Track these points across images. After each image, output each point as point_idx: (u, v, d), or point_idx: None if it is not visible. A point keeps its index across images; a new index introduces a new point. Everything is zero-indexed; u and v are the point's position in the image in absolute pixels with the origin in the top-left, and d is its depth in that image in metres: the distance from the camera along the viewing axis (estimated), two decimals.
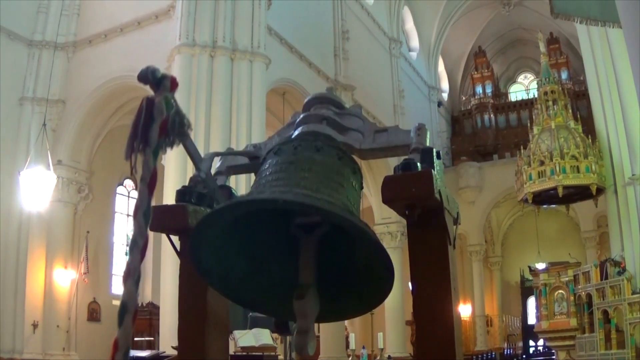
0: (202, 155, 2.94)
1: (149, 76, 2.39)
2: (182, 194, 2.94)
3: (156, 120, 2.33)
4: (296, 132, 2.86)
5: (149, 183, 2.27)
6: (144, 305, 23.29)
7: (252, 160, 3.13)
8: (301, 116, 2.94)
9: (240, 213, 2.56)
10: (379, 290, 2.66)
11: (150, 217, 2.27)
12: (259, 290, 2.86)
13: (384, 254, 2.45)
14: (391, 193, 2.47)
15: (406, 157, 2.62)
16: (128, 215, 25.68)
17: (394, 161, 3.17)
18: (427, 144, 2.76)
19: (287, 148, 2.64)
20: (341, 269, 2.78)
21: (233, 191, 3.12)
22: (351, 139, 2.90)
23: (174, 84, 2.42)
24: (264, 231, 2.76)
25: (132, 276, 2.22)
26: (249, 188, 10.60)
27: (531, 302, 32.67)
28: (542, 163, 20.34)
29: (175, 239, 2.97)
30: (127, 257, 2.25)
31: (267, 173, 2.59)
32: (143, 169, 2.29)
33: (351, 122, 2.97)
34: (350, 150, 2.87)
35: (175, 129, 2.42)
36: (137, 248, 2.22)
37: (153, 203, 2.43)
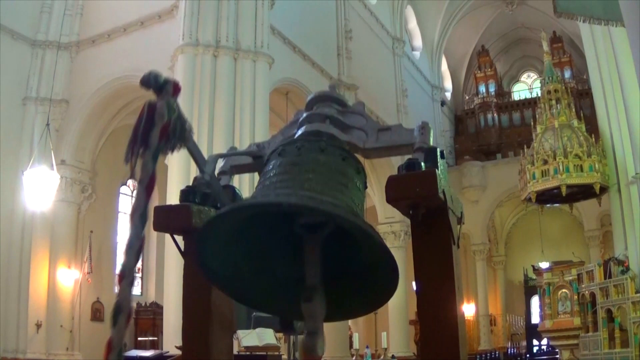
0: (206, 157, 2.94)
1: (151, 81, 2.39)
2: (186, 193, 2.94)
3: (157, 125, 2.33)
4: (299, 132, 2.86)
5: (147, 186, 2.27)
6: (148, 305, 23.34)
7: (255, 160, 3.12)
8: (304, 115, 2.93)
9: (244, 216, 2.56)
10: (384, 289, 2.66)
11: (147, 220, 2.26)
12: (264, 290, 2.86)
13: (388, 255, 2.45)
14: (395, 192, 2.47)
15: (410, 156, 2.62)
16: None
17: (397, 160, 3.17)
18: (431, 143, 2.75)
19: (290, 149, 2.62)
20: (346, 268, 2.77)
21: (237, 191, 3.12)
22: (355, 138, 2.89)
23: (176, 88, 2.41)
24: (268, 231, 2.75)
25: (127, 277, 2.20)
26: (252, 186, 10.66)
27: (535, 301, 32.63)
28: (545, 162, 20.34)
29: (179, 239, 2.97)
30: (123, 259, 2.23)
31: (271, 174, 2.58)
32: (141, 171, 2.29)
33: (354, 120, 2.96)
34: (353, 149, 2.87)
35: (176, 134, 2.42)
36: (133, 250, 2.21)
37: (157, 203, 2.44)
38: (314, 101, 2.99)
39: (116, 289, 2.23)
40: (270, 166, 2.63)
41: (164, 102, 2.36)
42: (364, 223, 2.42)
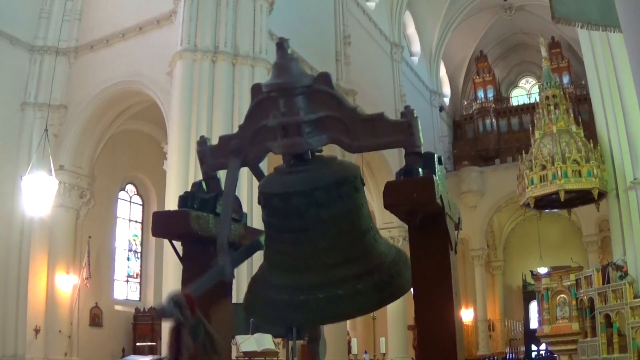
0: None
1: (167, 314, 2.42)
2: (184, 199, 2.94)
3: (184, 355, 2.38)
4: (277, 146, 2.83)
5: None
6: (146, 310, 23.29)
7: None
8: (276, 122, 2.89)
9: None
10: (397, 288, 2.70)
11: None
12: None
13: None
14: (393, 198, 2.48)
15: (406, 165, 2.62)
16: (130, 220, 25.69)
17: (395, 165, 3.17)
18: (421, 138, 2.74)
19: (287, 208, 2.63)
20: None
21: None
22: (336, 136, 2.85)
23: (190, 301, 2.44)
24: None
25: None
26: (250, 186, 10.46)
27: (533, 306, 32.56)
28: (543, 167, 20.32)
29: (177, 244, 2.97)
30: None
31: (279, 251, 2.64)
32: None
33: (325, 104, 2.90)
34: (338, 144, 2.85)
35: (207, 350, 2.46)
36: None
37: (155, 209, 2.45)
38: (275, 91, 2.95)
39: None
40: (273, 230, 2.68)
41: (188, 330, 2.41)
42: (393, 296, 2.52)
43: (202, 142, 3.17)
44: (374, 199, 25.61)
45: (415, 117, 2.73)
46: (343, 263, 2.48)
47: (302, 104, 2.84)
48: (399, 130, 2.76)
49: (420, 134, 2.73)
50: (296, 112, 2.82)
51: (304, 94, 2.86)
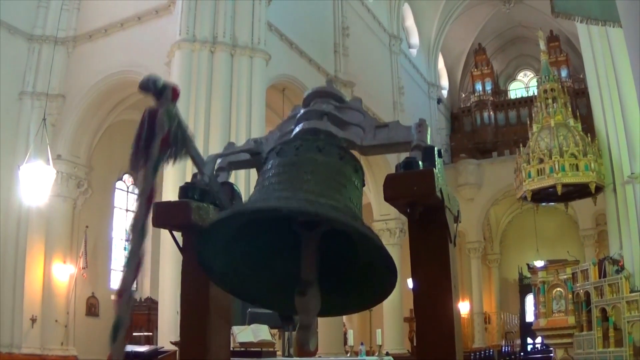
0: (203, 153, 2.93)
1: (150, 86, 2.38)
2: (185, 190, 2.94)
3: (158, 135, 2.33)
4: (297, 129, 2.86)
5: (148, 198, 2.28)
6: (143, 300, 23.29)
7: (253, 156, 3.12)
8: (302, 111, 2.93)
9: (245, 219, 2.57)
10: (382, 288, 2.67)
11: (147, 233, 2.26)
12: (263, 286, 2.87)
13: (387, 257, 2.46)
14: (393, 191, 2.48)
15: (407, 155, 2.62)
16: (127, 210, 25.68)
17: (393, 159, 3.20)
18: (428, 141, 2.76)
19: (288, 148, 2.62)
20: (343, 265, 2.78)
21: (235, 187, 3.12)
22: (352, 135, 2.89)
23: (175, 93, 2.41)
24: (267, 229, 2.75)
25: (126, 293, 2.20)
26: (248, 181, 10.63)
27: (529, 299, 32.70)
28: (541, 161, 20.33)
29: (177, 235, 2.97)
30: (122, 273, 2.23)
31: (270, 174, 2.59)
32: (143, 183, 2.30)
33: (351, 116, 2.95)
34: (351, 146, 2.87)
35: (177, 142, 2.42)
36: (134, 263, 2.21)
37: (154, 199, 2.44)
38: (311, 97, 2.99)
39: (115, 283, 2.21)
40: (269, 166, 2.63)
41: (164, 111, 2.36)
42: (363, 226, 2.43)
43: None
44: (371, 191, 25.66)
45: (428, 125, 2.79)
46: (318, 195, 2.46)
47: (331, 107, 2.89)
48: (409, 129, 2.81)
49: (429, 136, 2.76)
50: (324, 105, 2.86)
51: (336, 106, 2.91)
